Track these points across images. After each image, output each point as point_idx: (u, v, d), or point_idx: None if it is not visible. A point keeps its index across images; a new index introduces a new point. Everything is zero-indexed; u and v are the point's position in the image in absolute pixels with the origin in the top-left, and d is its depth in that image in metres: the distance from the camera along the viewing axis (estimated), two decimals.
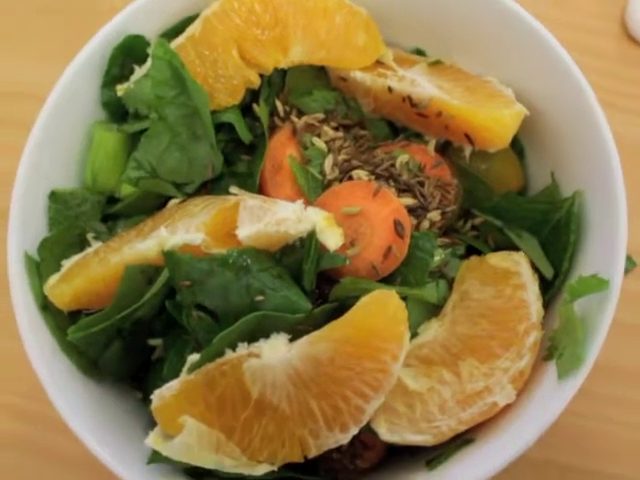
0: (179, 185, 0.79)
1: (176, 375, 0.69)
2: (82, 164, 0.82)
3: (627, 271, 0.95)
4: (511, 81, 0.82)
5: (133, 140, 0.80)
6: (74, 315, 0.76)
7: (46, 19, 1.07)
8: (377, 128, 0.85)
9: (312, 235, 0.70)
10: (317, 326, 0.69)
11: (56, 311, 0.75)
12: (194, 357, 0.68)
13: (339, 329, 0.67)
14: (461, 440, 0.74)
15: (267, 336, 0.69)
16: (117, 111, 0.81)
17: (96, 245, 0.78)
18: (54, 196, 0.79)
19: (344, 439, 0.68)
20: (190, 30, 0.78)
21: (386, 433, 0.71)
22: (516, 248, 0.79)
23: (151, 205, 0.81)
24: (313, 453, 0.69)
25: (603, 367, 0.95)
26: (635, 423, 0.95)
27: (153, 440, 0.68)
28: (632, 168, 0.99)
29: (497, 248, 0.82)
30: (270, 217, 0.70)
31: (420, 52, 0.89)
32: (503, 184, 0.84)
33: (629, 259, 0.95)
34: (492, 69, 0.84)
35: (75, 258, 0.77)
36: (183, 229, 0.72)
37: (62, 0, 1.07)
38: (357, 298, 0.68)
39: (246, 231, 0.70)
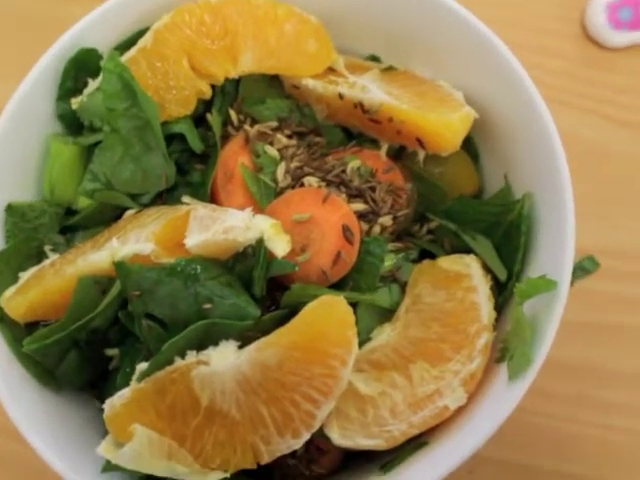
0: (134, 196, 0.80)
1: (129, 384, 0.70)
2: (40, 177, 0.83)
3: (590, 271, 0.96)
4: (462, 85, 0.83)
5: (89, 152, 0.81)
6: (32, 326, 0.77)
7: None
8: (332, 134, 0.85)
9: (261, 242, 0.71)
10: (267, 332, 0.69)
11: (12, 323, 0.75)
12: (143, 365, 0.69)
13: (286, 335, 0.68)
14: (415, 443, 0.74)
15: (216, 343, 0.69)
16: (73, 123, 0.82)
17: (53, 257, 0.79)
18: (11, 209, 0.79)
19: (296, 445, 0.69)
20: (142, 42, 0.79)
21: (339, 438, 0.72)
22: (471, 251, 0.80)
23: (108, 216, 0.81)
24: (265, 459, 0.69)
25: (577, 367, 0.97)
26: (605, 424, 0.96)
27: (104, 449, 0.69)
28: (593, 167, 1.01)
29: (453, 251, 0.82)
30: (218, 226, 0.71)
31: (375, 58, 0.89)
32: (458, 187, 0.84)
33: (592, 260, 0.95)
34: (444, 73, 0.84)
35: (32, 270, 0.78)
36: (134, 239, 0.72)
37: (16, 12, 1.08)
38: (307, 304, 0.69)
39: (194, 240, 0.70)
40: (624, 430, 0.95)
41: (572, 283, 0.94)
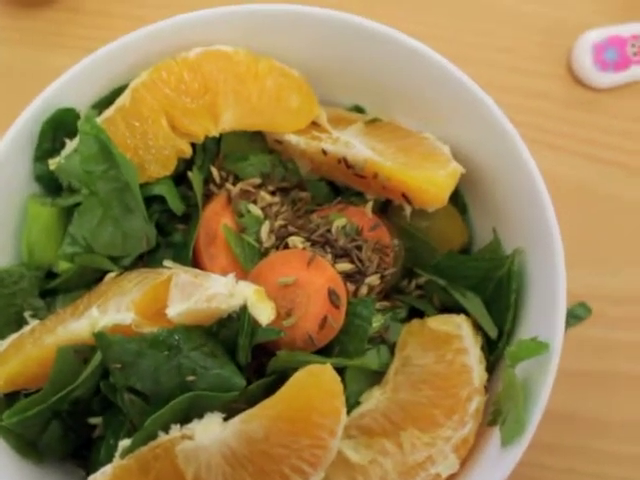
0: (115, 259, 0.78)
1: (113, 456, 0.68)
2: (18, 239, 0.81)
3: (582, 319, 0.95)
4: (448, 137, 0.81)
5: (68, 213, 0.79)
6: (11, 396, 0.75)
7: None
8: (317, 188, 0.84)
9: (245, 309, 0.69)
10: (253, 402, 0.67)
11: None
12: (126, 442, 0.67)
13: (272, 407, 0.66)
14: None
15: (201, 416, 0.67)
16: (51, 184, 0.80)
17: (33, 323, 0.77)
18: None
19: None
20: (119, 101, 0.78)
21: None
22: (461, 307, 0.78)
23: (89, 279, 0.79)
24: None
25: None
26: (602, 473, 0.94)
27: None
28: (582, 209, 1.00)
29: (442, 307, 0.80)
30: (201, 293, 0.69)
31: (359, 109, 0.88)
32: (446, 241, 0.82)
33: (584, 306, 0.94)
34: (429, 125, 0.83)
35: (11, 338, 0.76)
36: (114, 308, 0.70)
37: None
38: (294, 370, 0.67)
39: (176, 309, 0.69)
40: (619, 478, 0.94)
41: (564, 331, 0.93)
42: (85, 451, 0.79)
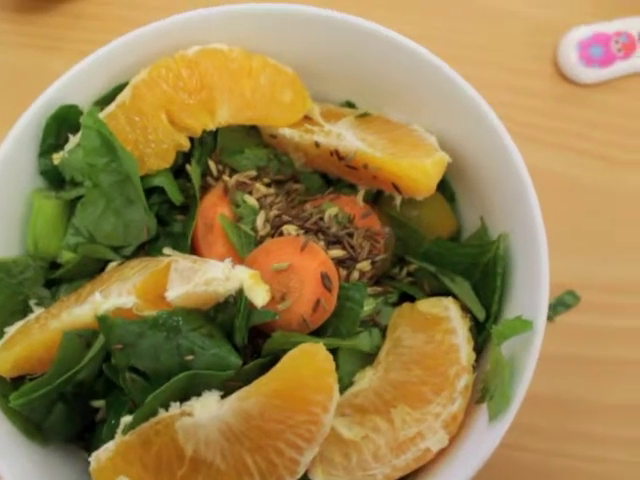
0: (117, 248, 0.81)
1: (115, 436, 0.71)
2: (23, 232, 0.84)
3: (571, 306, 0.97)
4: (435, 128, 0.84)
5: (71, 206, 0.82)
6: (17, 380, 0.78)
7: None
8: (310, 181, 0.87)
9: (241, 293, 0.72)
10: (250, 381, 0.70)
11: None
12: (128, 418, 0.70)
13: (267, 384, 0.69)
14: None
15: (199, 394, 0.70)
16: (55, 179, 0.83)
17: (38, 311, 0.80)
18: None
19: None
20: (120, 98, 0.81)
21: None
22: (450, 292, 0.81)
23: (92, 269, 0.82)
24: None
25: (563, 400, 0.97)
26: (593, 456, 0.97)
27: None
28: (569, 203, 1.03)
29: (432, 293, 0.83)
30: (199, 277, 0.72)
31: (350, 104, 0.91)
32: (435, 229, 0.85)
33: (572, 294, 0.97)
34: (418, 117, 0.86)
35: (17, 325, 0.79)
36: (116, 293, 0.73)
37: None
38: (288, 351, 0.70)
39: (175, 292, 0.71)
40: (612, 461, 0.96)
41: (553, 318, 0.97)
42: (88, 434, 0.81)
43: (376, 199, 0.87)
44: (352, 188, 0.86)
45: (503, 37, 1.10)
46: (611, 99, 1.08)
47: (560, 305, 0.98)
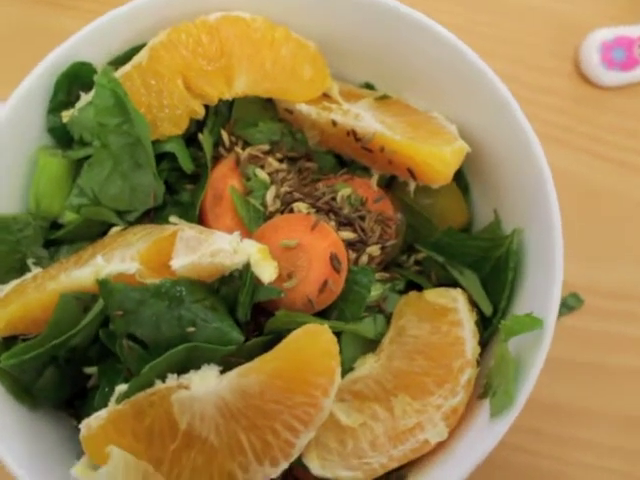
0: (121, 213, 0.79)
1: (107, 404, 0.69)
2: (26, 189, 0.81)
3: (574, 309, 0.96)
4: (456, 117, 0.83)
5: (78, 166, 0.80)
6: (10, 340, 0.76)
7: None
8: (324, 161, 0.85)
9: (248, 267, 0.70)
10: (250, 358, 0.69)
11: None
12: (122, 387, 0.68)
13: (269, 362, 0.67)
14: (393, 477, 0.73)
15: (198, 367, 0.68)
16: (63, 137, 0.81)
17: (35, 271, 0.78)
18: None
19: (274, 473, 0.68)
20: (137, 59, 0.79)
21: (318, 468, 0.71)
22: (458, 284, 0.79)
23: (94, 232, 0.80)
24: None
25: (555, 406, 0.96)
26: (583, 462, 0.96)
27: (79, 470, 0.68)
28: (581, 205, 1.01)
29: (440, 284, 0.81)
30: (205, 248, 0.70)
31: (369, 86, 0.89)
32: (447, 220, 0.84)
33: (576, 297, 0.96)
34: (438, 105, 0.84)
35: (13, 283, 0.77)
36: (119, 258, 0.71)
37: (9, 24, 1.07)
38: (292, 331, 0.68)
39: (180, 262, 0.70)
40: (602, 468, 0.95)
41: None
42: (78, 401, 0.80)
43: (389, 184, 0.85)
44: (365, 171, 0.84)
45: (526, 32, 1.09)
46: (630, 104, 1.07)
47: (562, 307, 0.97)
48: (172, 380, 0.68)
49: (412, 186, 0.82)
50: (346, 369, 0.75)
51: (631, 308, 1.00)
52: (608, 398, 0.97)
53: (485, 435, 0.70)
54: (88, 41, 0.80)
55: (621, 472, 0.94)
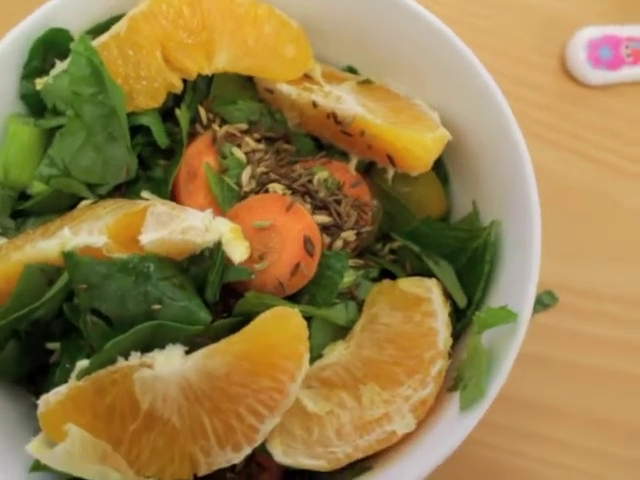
0: (92, 186, 0.77)
1: (68, 380, 0.67)
2: None
3: (548, 306, 0.95)
4: (438, 105, 0.81)
5: (49, 136, 0.77)
6: None
7: None
8: (302, 143, 0.83)
9: (219, 246, 0.69)
10: (217, 339, 0.67)
11: None
12: (84, 363, 0.66)
13: (236, 343, 0.66)
14: (358, 467, 0.71)
15: (163, 346, 0.67)
16: (36, 105, 0.79)
17: (1, 241, 0.76)
18: None
19: (236, 458, 0.66)
20: (115, 28, 0.76)
21: (281, 455, 0.69)
22: (432, 274, 0.78)
23: (63, 204, 0.78)
24: (203, 471, 0.67)
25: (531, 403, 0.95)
26: (549, 460, 0.95)
27: (34, 447, 0.65)
28: (561, 204, 1.00)
29: (414, 273, 0.80)
30: (177, 224, 0.68)
31: (352, 70, 0.88)
32: (425, 209, 0.82)
33: (550, 294, 0.95)
34: (421, 92, 0.83)
35: None
36: (87, 230, 0.70)
37: None
38: (260, 314, 0.67)
39: (150, 237, 0.68)
40: (565, 467, 0.95)
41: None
42: (39, 377, 0.77)
43: (367, 170, 0.83)
44: (343, 156, 0.83)
45: (515, 26, 1.08)
46: (614, 104, 1.06)
47: (537, 304, 0.96)
48: (135, 358, 0.66)
49: (390, 173, 0.80)
50: (315, 355, 0.73)
51: (602, 308, 0.99)
52: (575, 397, 0.96)
53: (454, 428, 0.68)
54: (66, 7, 0.78)
55: (584, 472, 0.94)
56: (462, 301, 0.76)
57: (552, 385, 0.97)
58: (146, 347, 0.66)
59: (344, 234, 0.76)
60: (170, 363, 0.66)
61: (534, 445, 0.94)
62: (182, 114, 0.79)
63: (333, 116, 0.78)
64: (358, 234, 0.77)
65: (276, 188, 0.76)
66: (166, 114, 0.81)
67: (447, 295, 0.76)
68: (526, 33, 1.08)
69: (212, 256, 0.69)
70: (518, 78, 1.05)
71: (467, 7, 1.07)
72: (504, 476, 0.94)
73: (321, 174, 0.77)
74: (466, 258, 0.78)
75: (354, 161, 0.80)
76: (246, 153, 0.79)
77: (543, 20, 1.08)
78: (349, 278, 0.76)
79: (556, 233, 0.99)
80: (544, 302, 0.97)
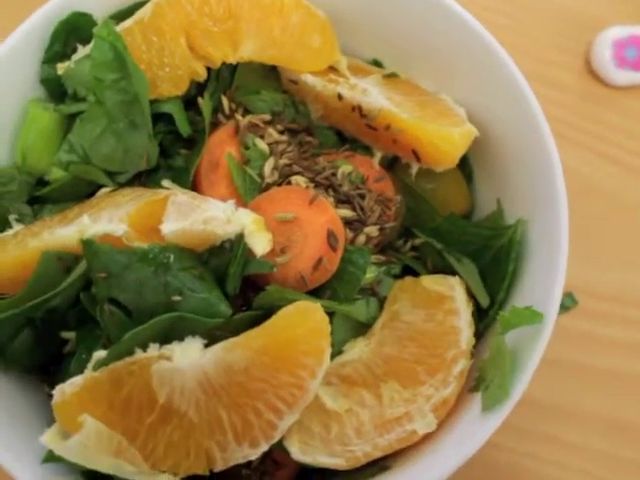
0: (112, 174, 0.75)
1: (83, 371, 0.65)
2: (14, 141, 0.78)
3: (568, 308, 0.94)
4: (465, 101, 0.80)
5: (70, 122, 0.76)
6: None
7: None
8: (325, 136, 0.82)
9: (241, 238, 0.67)
10: (236, 333, 0.66)
11: None
12: (101, 353, 0.65)
13: (256, 338, 0.64)
14: (376, 467, 0.70)
15: (181, 339, 0.65)
16: (56, 90, 0.78)
17: (17, 227, 0.74)
18: None
19: (253, 455, 0.65)
20: (140, 14, 0.75)
21: (298, 453, 0.68)
22: (455, 273, 0.77)
23: (81, 192, 0.77)
24: (219, 466, 0.65)
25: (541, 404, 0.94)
26: (560, 462, 0.94)
27: (49, 438, 0.64)
28: (581, 204, 0.99)
29: (435, 271, 0.79)
30: (198, 215, 0.67)
31: (377, 63, 0.86)
32: (448, 206, 0.81)
33: (571, 297, 0.94)
34: (447, 87, 0.82)
35: None
36: (106, 218, 0.68)
37: None
38: (281, 308, 0.65)
39: (171, 227, 0.66)
40: (576, 469, 0.94)
41: None
42: (53, 367, 0.76)
43: (391, 165, 0.82)
44: (367, 150, 0.81)
45: (540, 25, 1.06)
46: (638, 105, 1.05)
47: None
48: (154, 350, 0.65)
49: (415, 168, 0.79)
50: (335, 352, 0.72)
51: (614, 309, 0.98)
52: (587, 398, 0.95)
53: (476, 429, 0.67)
54: None
55: (595, 474, 0.93)
56: (485, 300, 0.75)
57: (563, 386, 0.96)
58: (165, 339, 0.65)
59: (367, 229, 0.75)
60: (189, 356, 0.64)
61: (545, 446, 0.93)
62: (205, 103, 0.78)
63: (358, 109, 0.77)
64: (381, 230, 0.76)
65: (299, 180, 0.75)
66: (188, 102, 0.79)
67: (470, 294, 0.75)
68: (551, 32, 1.06)
69: (232, 248, 0.68)
70: (542, 77, 1.04)
71: (491, 5, 1.06)
72: (515, 477, 0.93)
73: (345, 167, 0.76)
74: (490, 256, 0.77)
75: (378, 155, 0.79)
76: (269, 144, 0.77)
77: (569, 19, 1.07)
78: (371, 274, 0.75)
79: (575, 233, 0.97)
80: (564, 304, 0.95)
